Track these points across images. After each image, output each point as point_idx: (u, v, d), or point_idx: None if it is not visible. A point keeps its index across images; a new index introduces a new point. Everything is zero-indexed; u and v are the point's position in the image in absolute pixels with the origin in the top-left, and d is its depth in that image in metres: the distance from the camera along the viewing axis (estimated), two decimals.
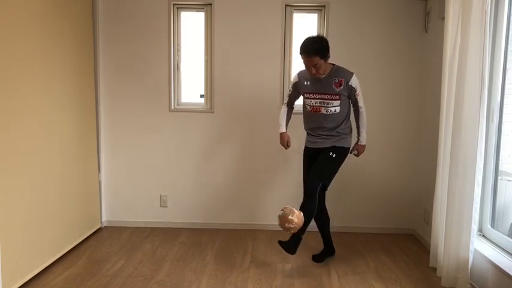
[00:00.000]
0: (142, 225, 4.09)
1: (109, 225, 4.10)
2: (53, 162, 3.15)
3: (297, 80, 3.22)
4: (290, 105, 3.36)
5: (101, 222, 4.05)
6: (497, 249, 2.74)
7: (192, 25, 4.02)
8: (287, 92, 3.36)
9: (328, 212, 3.35)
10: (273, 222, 4.06)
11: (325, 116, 3.12)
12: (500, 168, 2.89)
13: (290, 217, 2.89)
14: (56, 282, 2.88)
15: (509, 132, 2.89)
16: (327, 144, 3.15)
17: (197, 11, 3.97)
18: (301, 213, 2.97)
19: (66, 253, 3.35)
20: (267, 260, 3.36)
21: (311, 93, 3.14)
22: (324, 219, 3.32)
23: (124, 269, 3.13)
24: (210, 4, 3.89)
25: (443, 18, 3.18)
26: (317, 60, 2.95)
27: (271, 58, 3.91)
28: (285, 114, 3.34)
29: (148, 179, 4.08)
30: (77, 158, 3.51)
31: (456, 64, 2.81)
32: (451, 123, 2.86)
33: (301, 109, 3.32)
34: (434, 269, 3.10)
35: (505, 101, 2.83)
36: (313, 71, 3.02)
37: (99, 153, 3.97)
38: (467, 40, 2.66)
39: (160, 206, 4.11)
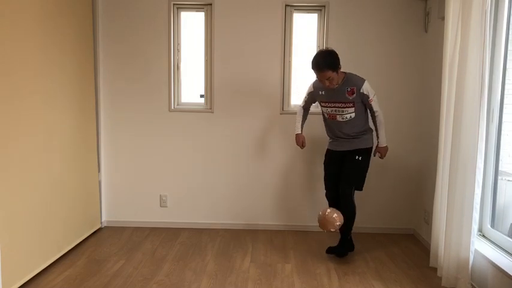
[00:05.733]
0: (142, 225, 4.09)
1: (109, 225, 4.10)
2: (53, 162, 3.15)
3: (312, 90, 3.37)
4: (306, 107, 3.50)
5: (101, 222, 4.04)
6: (498, 250, 2.74)
7: (192, 25, 4.02)
8: (303, 98, 3.47)
9: None
10: (272, 222, 4.08)
11: (341, 122, 3.26)
12: (500, 168, 2.89)
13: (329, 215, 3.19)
14: (56, 282, 2.89)
15: (509, 132, 2.89)
16: (350, 147, 3.29)
17: (197, 11, 3.97)
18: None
19: (66, 253, 3.35)
20: (267, 260, 3.36)
21: (326, 102, 3.28)
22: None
23: (124, 269, 3.13)
24: (210, 4, 3.88)
25: (443, 18, 3.18)
26: (329, 73, 3.07)
27: (271, 58, 3.91)
28: (301, 116, 3.49)
29: (148, 179, 4.08)
30: (77, 158, 3.51)
31: (456, 64, 2.81)
32: (451, 123, 2.86)
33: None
34: (435, 269, 3.10)
35: (505, 101, 2.83)
36: (327, 84, 3.14)
37: (99, 153, 3.97)
38: (467, 40, 2.66)
39: (160, 206, 4.11)
